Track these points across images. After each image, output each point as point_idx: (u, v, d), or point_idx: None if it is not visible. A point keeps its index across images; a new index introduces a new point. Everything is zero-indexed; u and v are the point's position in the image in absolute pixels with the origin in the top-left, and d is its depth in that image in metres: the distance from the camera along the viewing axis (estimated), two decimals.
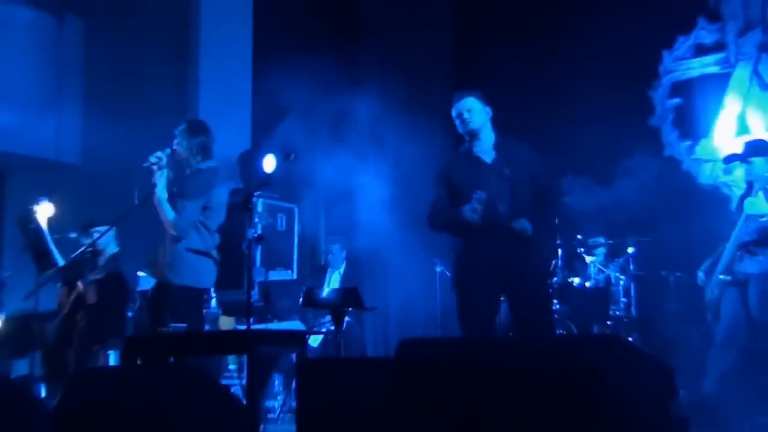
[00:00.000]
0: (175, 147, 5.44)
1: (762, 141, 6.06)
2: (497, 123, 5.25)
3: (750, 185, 5.80)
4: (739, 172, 7.91)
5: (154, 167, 5.25)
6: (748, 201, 5.67)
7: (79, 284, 6.47)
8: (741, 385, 5.51)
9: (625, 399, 2.58)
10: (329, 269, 8.21)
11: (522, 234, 4.87)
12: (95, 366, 6.29)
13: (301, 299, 5.99)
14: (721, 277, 5.78)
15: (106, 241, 6.55)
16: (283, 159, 6.02)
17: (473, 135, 5.11)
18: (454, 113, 5.15)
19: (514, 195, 4.98)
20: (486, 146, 5.12)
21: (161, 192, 5.21)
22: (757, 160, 5.71)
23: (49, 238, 6.72)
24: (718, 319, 5.87)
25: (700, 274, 6.08)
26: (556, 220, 5.39)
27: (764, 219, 5.68)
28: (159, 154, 5.29)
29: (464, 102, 5.12)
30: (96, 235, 6.48)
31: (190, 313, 5.22)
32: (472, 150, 5.13)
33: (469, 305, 4.96)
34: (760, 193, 5.61)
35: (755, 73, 8.16)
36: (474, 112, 5.09)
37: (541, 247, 5.12)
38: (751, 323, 5.63)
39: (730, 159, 6.71)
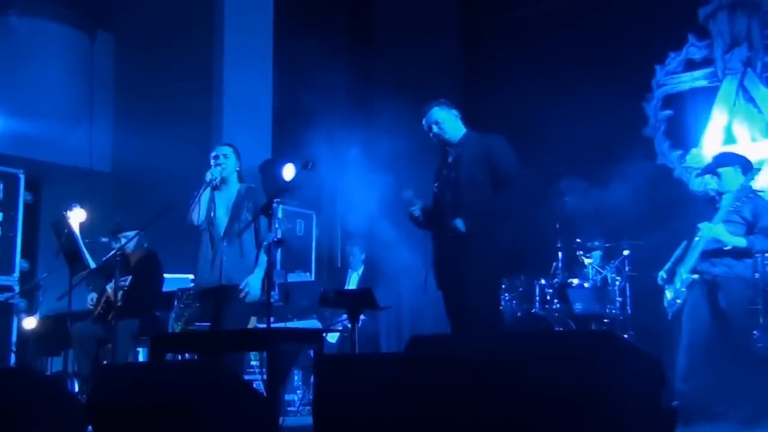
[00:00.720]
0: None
1: (728, 153, 6.00)
2: (504, 132, 5.15)
3: (720, 195, 5.74)
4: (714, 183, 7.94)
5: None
6: (704, 225, 5.58)
7: (108, 289, 6.49)
8: (709, 382, 5.46)
9: (617, 390, 2.62)
10: (349, 270, 8.27)
11: (455, 232, 4.75)
12: (125, 362, 6.32)
13: (318, 299, 6.04)
14: (686, 276, 5.66)
15: (133, 245, 6.59)
16: (302, 167, 6.04)
17: (448, 144, 5.00)
18: (424, 126, 5.03)
19: (465, 189, 4.82)
20: (456, 145, 5.01)
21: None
22: (726, 171, 5.65)
23: (81, 243, 6.76)
24: (681, 319, 5.77)
25: (662, 274, 6.02)
26: (509, 207, 4.97)
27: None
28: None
29: (430, 115, 4.98)
30: (123, 240, 6.49)
31: None
32: (446, 156, 5.04)
33: (445, 301, 4.97)
34: (720, 225, 5.50)
35: (741, 86, 8.21)
36: (442, 122, 4.96)
37: (493, 240, 4.81)
38: (720, 322, 5.55)
39: (701, 173, 6.71)
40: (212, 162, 5.69)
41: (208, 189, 5.59)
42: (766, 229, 5.48)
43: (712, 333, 5.52)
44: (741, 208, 5.51)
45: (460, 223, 4.74)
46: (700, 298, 5.55)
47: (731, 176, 5.59)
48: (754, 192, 5.72)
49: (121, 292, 6.27)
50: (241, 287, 5.33)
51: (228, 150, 5.79)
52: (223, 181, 5.68)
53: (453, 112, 4.99)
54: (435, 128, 4.94)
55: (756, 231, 5.49)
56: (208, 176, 5.57)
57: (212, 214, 5.69)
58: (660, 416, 2.85)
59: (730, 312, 5.45)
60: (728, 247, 5.48)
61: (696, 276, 5.61)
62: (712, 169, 5.80)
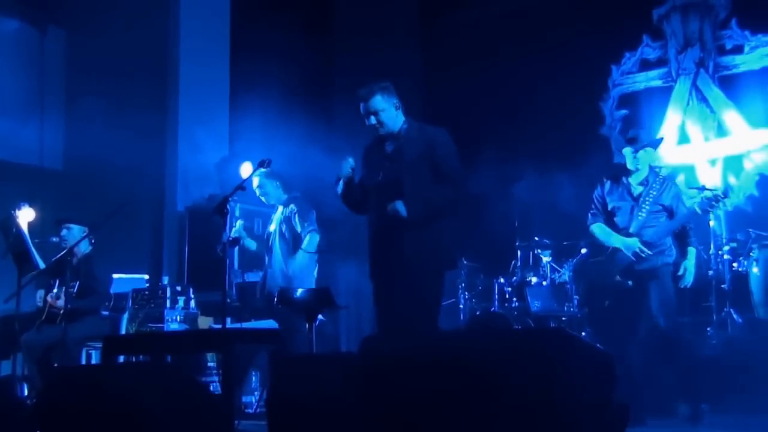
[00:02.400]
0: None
1: (635, 131, 5.90)
2: (463, 136, 5.07)
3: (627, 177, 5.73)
4: (681, 177, 8.06)
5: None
6: (597, 226, 5.78)
7: (51, 296, 6.49)
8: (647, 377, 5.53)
9: (568, 387, 2.66)
10: None
11: (394, 215, 4.53)
12: (75, 365, 6.25)
13: (275, 299, 6.01)
14: (619, 278, 5.68)
15: (78, 241, 6.56)
16: (258, 166, 6.02)
17: (386, 137, 4.77)
18: (362, 110, 4.74)
19: (401, 176, 4.61)
20: (394, 135, 4.76)
21: None
22: (642, 153, 5.63)
23: (30, 243, 6.67)
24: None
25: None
26: (455, 196, 4.88)
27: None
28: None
29: (372, 103, 4.69)
30: (64, 231, 6.62)
31: None
32: (384, 145, 4.81)
33: (376, 293, 4.80)
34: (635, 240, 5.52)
35: (694, 86, 8.38)
36: (381, 113, 4.69)
37: (437, 231, 4.66)
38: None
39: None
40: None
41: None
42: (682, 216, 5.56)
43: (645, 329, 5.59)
44: (658, 196, 5.60)
45: (401, 206, 4.53)
46: (636, 296, 5.57)
47: (645, 156, 5.67)
48: (665, 178, 5.80)
49: (66, 295, 6.25)
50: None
51: (260, 178, 6.44)
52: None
53: (393, 101, 4.75)
54: (373, 118, 4.71)
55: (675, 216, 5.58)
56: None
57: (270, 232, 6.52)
58: (611, 412, 2.89)
59: (659, 308, 5.49)
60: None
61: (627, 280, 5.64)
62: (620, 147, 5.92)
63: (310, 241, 6.30)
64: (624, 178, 5.74)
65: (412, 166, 4.63)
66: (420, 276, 4.60)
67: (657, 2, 8.62)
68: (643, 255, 5.48)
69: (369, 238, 4.83)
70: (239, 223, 6.46)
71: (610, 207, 5.75)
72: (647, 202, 5.59)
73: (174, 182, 8.54)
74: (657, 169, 5.93)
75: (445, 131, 4.80)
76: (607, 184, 5.81)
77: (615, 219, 5.71)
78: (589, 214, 5.86)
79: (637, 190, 5.67)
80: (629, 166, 5.68)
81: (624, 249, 5.55)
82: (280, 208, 6.52)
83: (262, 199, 6.58)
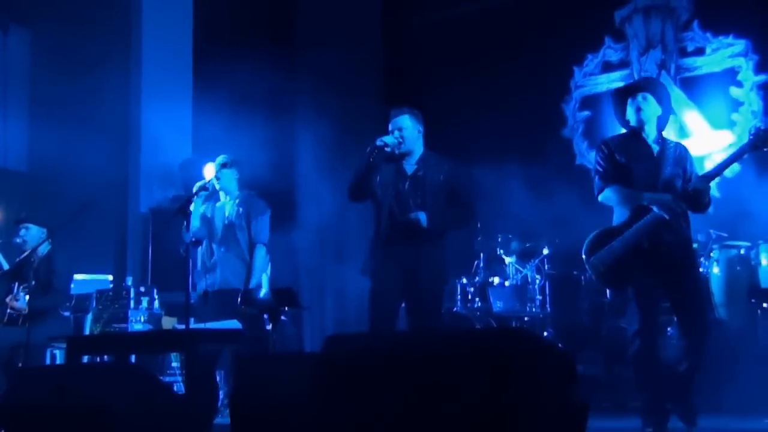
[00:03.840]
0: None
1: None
2: (427, 137, 5.29)
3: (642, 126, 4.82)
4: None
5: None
6: (613, 188, 4.76)
7: (9, 297, 6.46)
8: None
9: (526, 385, 2.70)
10: None
11: (415, 224, 4.93)
12: (40, 365, 6.22)
13: (239, 299, 6.01)
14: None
15: (38, 240, 6.53)
16: (221, 167, 6.03)
17: (403, 155, 5.12)
18: (390, 127, 5.13)
19: (425, 197, 5.02)
20: (412, 161, 5.15)
21: None
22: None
23: None
24: None
25: None
26: (469, 220, 5.31)
27: None
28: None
29: (398, 120, 5.11)
30: (23, 231, 6.60)
31: None
32: (401, 163, 5.15)
33: (375, 296, 5.04)
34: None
35: None
36: (405, 130, 5.08)
37: (444, 250, 5.14)
38: None
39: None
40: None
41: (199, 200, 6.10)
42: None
43: None
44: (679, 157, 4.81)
45: (423, 216, 4.93)
46: None
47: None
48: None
49: (27, 296, 6.23)
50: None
51: (226, 159, 6.25)
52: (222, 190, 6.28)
53: (419, 127, 5.14)
54: (397, 133, 5.06)
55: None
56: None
57: (211, 223, 6.25)
58: (570, 411, 2.93)
59: None
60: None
61: None
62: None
63: (258, 253, 6.26)
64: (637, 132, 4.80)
65: (435, 187, 5.05)
66: (433, 284, 5.05)
67: (619, 4, 8.67)
68: (678, 214, 4.60)
69: (376, 240, 5.09)
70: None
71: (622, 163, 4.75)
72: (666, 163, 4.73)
73: (137, 183, 8.51)
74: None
75: (466, 170, 5.38)
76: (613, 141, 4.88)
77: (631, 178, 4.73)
78: (597, 179, 4.85)
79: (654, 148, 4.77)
80: (634, 123, 4.80)
81: (658, 207, 4.58)
82: (228, 202, 6.39)
83: (217, 186, 6.32)
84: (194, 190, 5.86)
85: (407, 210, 5.00)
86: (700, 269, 6.26)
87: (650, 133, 4.76)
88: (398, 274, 5.00)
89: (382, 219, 5.06)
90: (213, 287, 6.26)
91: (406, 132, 5.08)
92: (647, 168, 4.70)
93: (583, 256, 4.71)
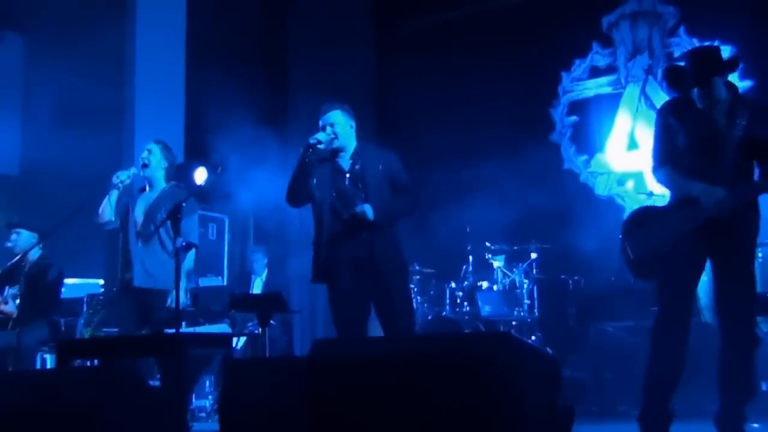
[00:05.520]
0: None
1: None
2: (417, 143, 5.22)
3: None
4: (631, 183, 8.18)
5: None
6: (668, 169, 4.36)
7: (0, 301, 6.43)
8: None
9: (512, 389, 2.68)
10: (253, 276, 8.33)
11: (362, 218, 4.73)
12: (30, 368, 6.19)
13: (228, 303, 5.99)
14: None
15: (29, 245, 6.51)
16: (211, 171, 5.98)
17: (337, 152, 4.95)
18: (321, 123, 4.94)
19: (367, 190, 4.85)
20: (347, 156, 4.98)
21: None
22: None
23: None
24: None
25: None
26: (415, 205, 5.02)
27: None
28: None
29: (329, 116, 4.94)
30: (14, 236, 6.61)
31: None
32: (336, 161, 4.97)
33: (335, 302, 4.87)
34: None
35: (643, 93, 8.46)
36: (337, 125, 4.91)
37: (399, 239, 4.94)
38: None
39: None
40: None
41: (115, 190, 5.52)
42: None
43: None
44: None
45: (368, 209, 4.75)
46: None
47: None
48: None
49: (17, 300, 6.21)
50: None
51: (154, 147, 5.74)
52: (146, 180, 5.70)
53: (351, 122, 4.99)
54: (329, 129, 4.89)
55: None
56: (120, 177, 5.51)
57: (130, 215, 5.59)
58: (556, 414, 2.92)
59: None
60: None
61: None
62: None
63: (189, 259, 5.60)
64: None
65: (375, 178, 4.89)
66: (395, 276, 4.83)
67: (606, 10, 8.70)
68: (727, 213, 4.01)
69: (320, 243, 4.90)
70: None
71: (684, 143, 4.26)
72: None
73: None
74: None
75: (394, 153, 5.09)
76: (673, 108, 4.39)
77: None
78: (654, 158, 4.49)
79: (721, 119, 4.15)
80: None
81: (707, 198, 4.05)
82: (149, 192, 5.79)
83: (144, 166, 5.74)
84: (115, 180, 5.51)
85: (351, 206, 4.81)
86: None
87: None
88: (353, 274, 4.79)
89: (324, 220, 4.88)
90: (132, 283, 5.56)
91: (338, 127, 4.90)
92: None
93: (620, 236, 4.35)
